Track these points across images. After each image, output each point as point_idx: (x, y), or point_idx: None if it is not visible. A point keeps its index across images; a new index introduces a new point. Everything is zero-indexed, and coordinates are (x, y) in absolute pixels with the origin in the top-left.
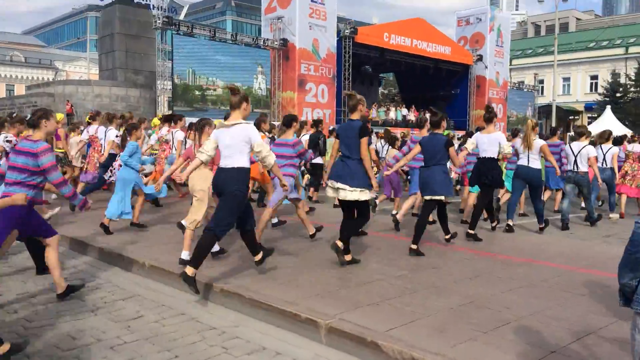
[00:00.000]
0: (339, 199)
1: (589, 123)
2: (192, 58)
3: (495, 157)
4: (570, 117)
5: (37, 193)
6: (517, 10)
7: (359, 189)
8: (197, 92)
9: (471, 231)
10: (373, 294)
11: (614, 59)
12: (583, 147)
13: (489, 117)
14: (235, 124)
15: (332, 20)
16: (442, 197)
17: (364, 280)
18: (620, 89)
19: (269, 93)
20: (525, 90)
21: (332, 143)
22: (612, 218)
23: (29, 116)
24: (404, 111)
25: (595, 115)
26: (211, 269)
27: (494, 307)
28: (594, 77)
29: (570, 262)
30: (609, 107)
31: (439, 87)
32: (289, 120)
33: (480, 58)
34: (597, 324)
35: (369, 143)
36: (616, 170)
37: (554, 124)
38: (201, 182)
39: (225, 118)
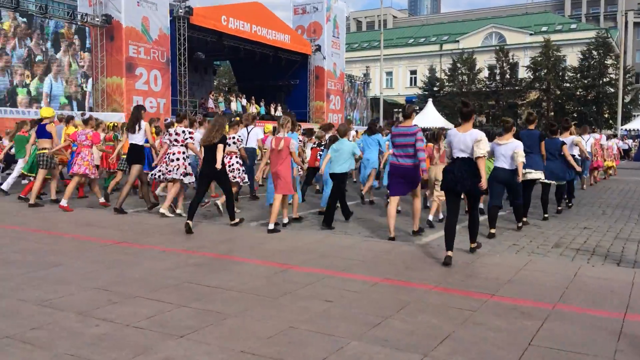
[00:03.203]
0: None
1: None
2: None
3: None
4: (395, 110)
5: None
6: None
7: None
8: None
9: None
10: None
11: (431, 55)
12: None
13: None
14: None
15: None
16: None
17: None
18: (437, 84)
19: (92, 78)
20: (358, 82)
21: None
22: None
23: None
24: (244, 102)
25: (417, 108)
26: None
27: None
28: (414, 72)
29: (574, 299)
30: (430, 100)
31: (277, 77)
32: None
33: (318, 48)
34: None
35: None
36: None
37: (381, 117)
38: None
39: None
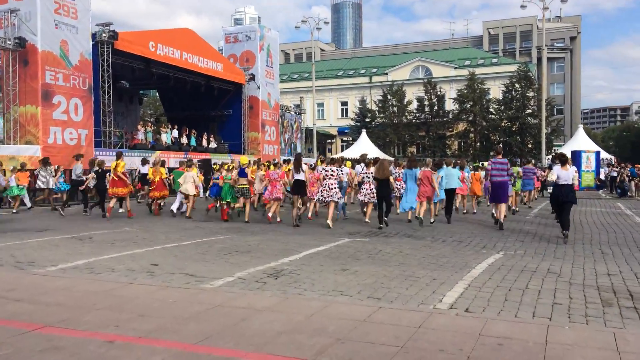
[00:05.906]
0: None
1: (344, 146)
2: None
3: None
4: (328, 141)
5: None
6: None
7: None
8: None
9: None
10: None
11: (361, 87)
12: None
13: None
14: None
15: (84, 20)
16: None
17: None
18: (369, 115)
19: (2, 107)
20: (293, 113)
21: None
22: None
23: None
24: (175, 133)
25: (350, 139)
26: None
27: None
28: (344, 104)
29: None
30: (364, 131)
31: (210, 106)
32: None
33: (252, 77)
34: None
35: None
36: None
37: (314, 147)
38: None
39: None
